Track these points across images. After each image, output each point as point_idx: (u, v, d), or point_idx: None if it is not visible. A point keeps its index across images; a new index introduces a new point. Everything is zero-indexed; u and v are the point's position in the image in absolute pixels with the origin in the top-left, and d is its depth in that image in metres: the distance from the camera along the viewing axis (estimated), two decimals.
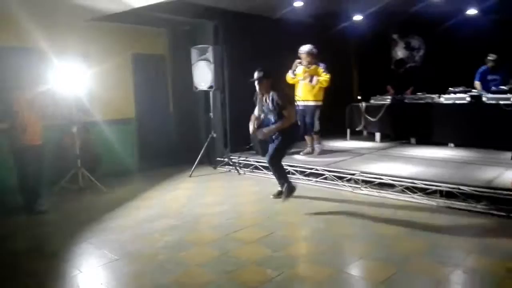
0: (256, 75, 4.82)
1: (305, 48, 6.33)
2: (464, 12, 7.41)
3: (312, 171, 5.81)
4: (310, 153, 6.66)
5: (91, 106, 6.26)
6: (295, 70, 6.47)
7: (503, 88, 6.25)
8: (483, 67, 6.86)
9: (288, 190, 4.72)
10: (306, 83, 6.38)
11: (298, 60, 6.42)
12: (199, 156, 6.60)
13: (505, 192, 4.20)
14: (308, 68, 6.37)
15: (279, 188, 4.97)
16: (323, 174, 5.63)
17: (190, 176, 6.50)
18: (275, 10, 7.05)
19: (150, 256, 3.57)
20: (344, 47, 9.34)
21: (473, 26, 7.62)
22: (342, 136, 8.11)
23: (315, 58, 6.37)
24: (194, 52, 6.70)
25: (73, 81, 5.61)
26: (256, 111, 4.97)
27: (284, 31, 7.58)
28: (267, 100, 4.77)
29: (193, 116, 7.62)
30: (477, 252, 3.36)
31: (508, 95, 5.94)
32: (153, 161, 7.28)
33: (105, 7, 5.70)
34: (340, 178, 5.46)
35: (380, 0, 6.50)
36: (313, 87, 6.34)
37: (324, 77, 6.29)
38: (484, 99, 6.25)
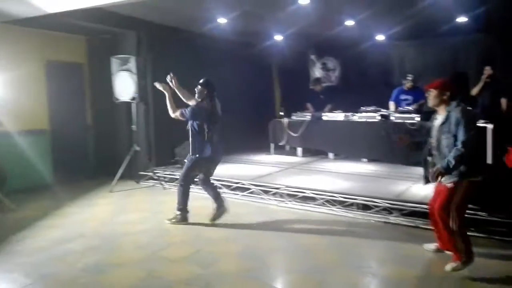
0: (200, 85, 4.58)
1: None
2: (374, 37, 8.14)
3: (239, 185, 5.88)
4: None
5: None
6: None
7: (408, 108, 6.88)
8: (398, 88, 7.33)
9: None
10: None
11: None
12: (121, 170, 6.32)
13: (412, 205, 4.63)
14: None
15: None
16: (249, 188, 5.73)
17: (111, 191, 6.20)
18: (200, 25, 7.08)
19: (69, 280, 3.33)
20: (267, 64, 9.66)
21: (381, 50, 8.39)
22: (266, 150, 8.34)
23: None
24: (114, 62, 6.45)
25: None
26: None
27: (209, 46, 7.64)
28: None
29: (114, 129, 7.30)
30: (390, 261, 3.66)
31: (413, 115, 6.55)
32: (69, 175, 6.80)
33: (16, 10, 5.26)
34: (266, 192, 5.60)
35: (297, 23, 6.86)
36: None
37: None
38: (392, 118, 6.83)
